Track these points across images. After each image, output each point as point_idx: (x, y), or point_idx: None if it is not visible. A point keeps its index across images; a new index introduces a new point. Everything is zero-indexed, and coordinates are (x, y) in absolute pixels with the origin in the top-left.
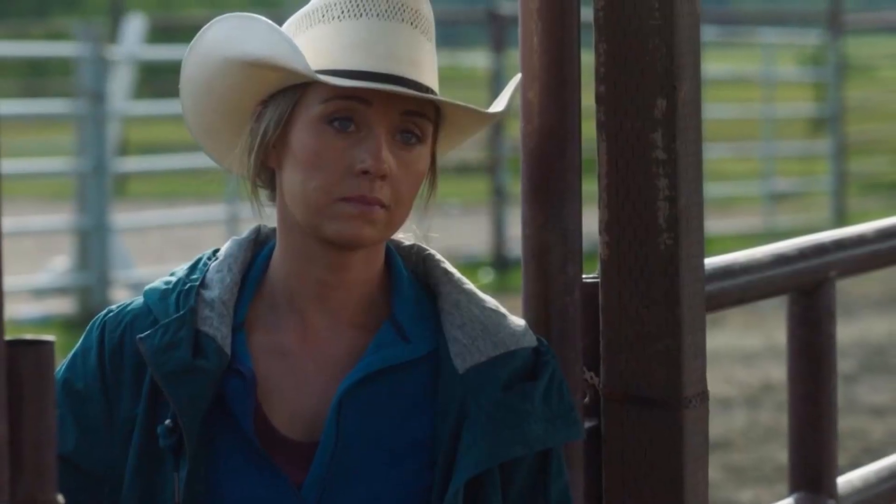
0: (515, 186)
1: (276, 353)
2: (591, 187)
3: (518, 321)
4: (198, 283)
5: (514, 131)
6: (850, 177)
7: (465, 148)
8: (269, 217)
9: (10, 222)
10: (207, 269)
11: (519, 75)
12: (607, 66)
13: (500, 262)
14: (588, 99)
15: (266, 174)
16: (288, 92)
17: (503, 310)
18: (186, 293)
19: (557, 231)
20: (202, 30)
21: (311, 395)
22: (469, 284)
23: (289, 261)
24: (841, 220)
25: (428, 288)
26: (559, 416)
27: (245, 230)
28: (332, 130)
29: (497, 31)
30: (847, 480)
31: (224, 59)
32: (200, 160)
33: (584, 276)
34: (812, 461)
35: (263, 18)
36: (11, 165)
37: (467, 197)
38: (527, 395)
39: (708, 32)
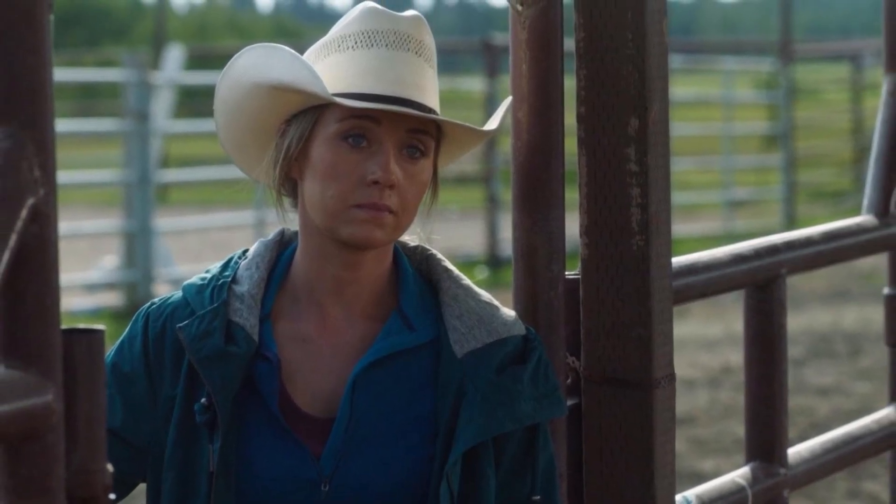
0: (507, 194)
1: (297, 340)
2: (572, 195)
3: (509, 312)
4: (229, 279)
5: (506, 146)
6: (799, 186)
7: (463, 161)
8: (292, 221)
9: (65, 226)
10: (238, 267)
11: (510, 98)
12: (587, 89)
13: (494, 261)
14: (570, 118)
15: (289, 184)
16: (308, 112)
17: (496, 302)
18: (220, 288)
19: (543, 234)
20: (233, 58)
21: (329, 376)
22: (466, 280)
23: (309, 259)
24: (791, 224)
25: (430, 283)
26: (545, 395)
27: (271, 233)
28: (346, 146)
29: (491, 60)
30: (796, 452)
31: (253, 83)
32: (232, 172)
33: (566, 272)
34: (766, 435)
35: (287, 48)
36: (67, 176)
37: (465, 204)
38: (517, 377)
39: (675, 60)
